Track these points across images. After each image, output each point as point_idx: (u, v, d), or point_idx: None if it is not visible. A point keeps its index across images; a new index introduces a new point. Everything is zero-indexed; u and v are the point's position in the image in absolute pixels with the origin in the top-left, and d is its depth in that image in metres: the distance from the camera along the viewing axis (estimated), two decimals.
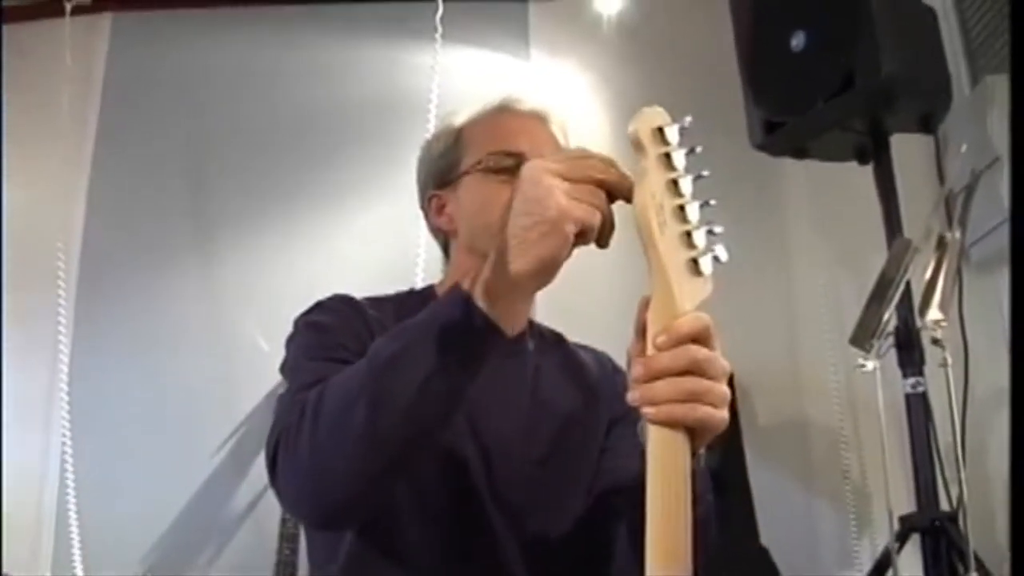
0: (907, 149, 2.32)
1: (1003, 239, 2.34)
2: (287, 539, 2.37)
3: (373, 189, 2.89)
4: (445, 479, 1.15)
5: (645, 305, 0.85)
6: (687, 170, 0.85)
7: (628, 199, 0.87)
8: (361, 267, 2.82)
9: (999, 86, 2.40)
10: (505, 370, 1.23)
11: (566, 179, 0.87)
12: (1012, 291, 1.44)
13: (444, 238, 1.34)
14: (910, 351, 2.03)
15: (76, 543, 2.56)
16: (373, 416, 0.91)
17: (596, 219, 0.87)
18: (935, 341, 1.70)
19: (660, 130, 0.85)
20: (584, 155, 0.90)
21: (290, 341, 1.20)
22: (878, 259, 2.01)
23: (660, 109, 0.86)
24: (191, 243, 2.93)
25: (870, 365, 1.74)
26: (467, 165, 1.27)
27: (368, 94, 3.03)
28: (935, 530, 1.95)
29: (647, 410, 0.81)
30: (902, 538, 1.99)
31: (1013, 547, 1.34)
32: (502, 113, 1.29)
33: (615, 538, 1.13)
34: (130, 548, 2.62)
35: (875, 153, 2.21)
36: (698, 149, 0.85)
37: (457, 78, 2.78)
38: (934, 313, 1.70)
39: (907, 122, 2.19)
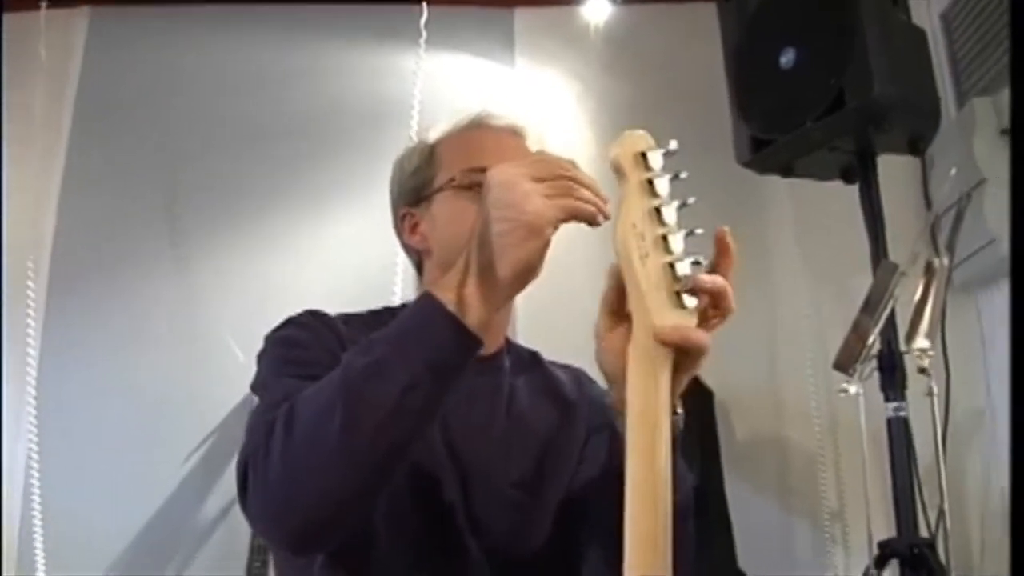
0: (891, 171, 2.31)
1: (985, 261, 2.35)
2: (257, 551, 2.33)
3: (353, 196, 2.84)
4: (422, 501, 1.12)
5: (614, 274, 0.85)
6: (671, 197, 0.81)
7: (596, 196, 0.89)
8: (340, 275, 2.78)
9: (984, 108, 2.40)
10: (481, 390, 1.21)
11: (537, 179, 0.89)
12: (1012, 312, 1.42)
13: (417, 256, 1.31)
14: (893, 375, 2.02)
15: (40, 550, 2.50)
16: (348, 428, 0.89)
17: (579, 207, 0.89)
18: (921, 370, 1.68)
19: (643, 155, 0.81)
20: (545, 156, 0.93)
21: (260, 357, 1.16)
22: (861, 280, 2.00)
23: (644, 133, 0.83)
24: (165, 248, 2.88)
25: (853, 389, 1.73)
26: (440, 183, 1.23)
27: (350, 98, 2.98)
28: (914, 557, 1.94)
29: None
30: (881, 564, 1.97)
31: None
32: (476, 129, 1.26)
33: (588, 542, 1.12)
34: (97, 557, 2.57)
35: (862, 173, 2.19)
36: (683, 175, 0.81)
37: (441, 84, 2.76)
38: (921, 341, 1.68)
39: (896, 143, 2.18)
